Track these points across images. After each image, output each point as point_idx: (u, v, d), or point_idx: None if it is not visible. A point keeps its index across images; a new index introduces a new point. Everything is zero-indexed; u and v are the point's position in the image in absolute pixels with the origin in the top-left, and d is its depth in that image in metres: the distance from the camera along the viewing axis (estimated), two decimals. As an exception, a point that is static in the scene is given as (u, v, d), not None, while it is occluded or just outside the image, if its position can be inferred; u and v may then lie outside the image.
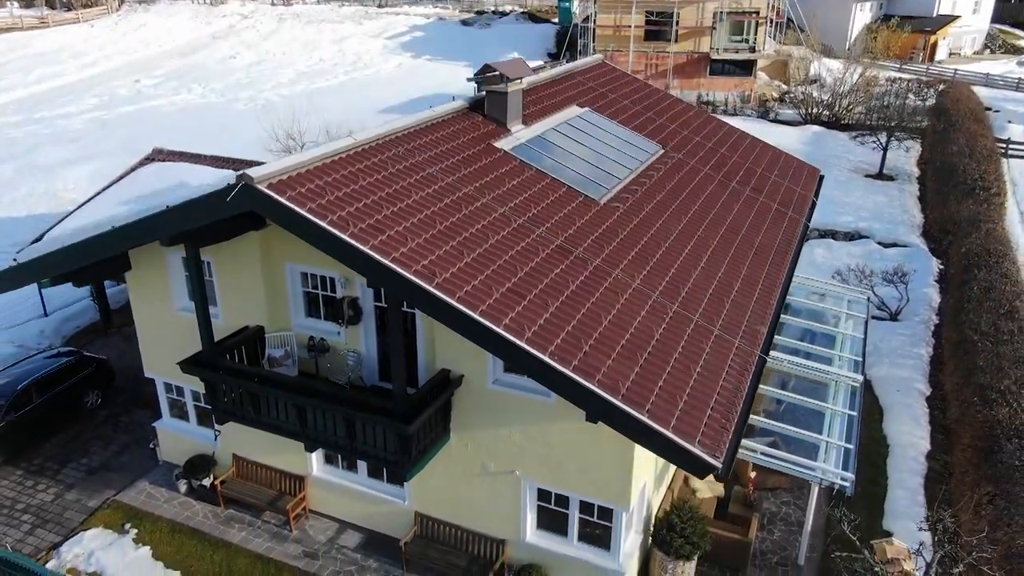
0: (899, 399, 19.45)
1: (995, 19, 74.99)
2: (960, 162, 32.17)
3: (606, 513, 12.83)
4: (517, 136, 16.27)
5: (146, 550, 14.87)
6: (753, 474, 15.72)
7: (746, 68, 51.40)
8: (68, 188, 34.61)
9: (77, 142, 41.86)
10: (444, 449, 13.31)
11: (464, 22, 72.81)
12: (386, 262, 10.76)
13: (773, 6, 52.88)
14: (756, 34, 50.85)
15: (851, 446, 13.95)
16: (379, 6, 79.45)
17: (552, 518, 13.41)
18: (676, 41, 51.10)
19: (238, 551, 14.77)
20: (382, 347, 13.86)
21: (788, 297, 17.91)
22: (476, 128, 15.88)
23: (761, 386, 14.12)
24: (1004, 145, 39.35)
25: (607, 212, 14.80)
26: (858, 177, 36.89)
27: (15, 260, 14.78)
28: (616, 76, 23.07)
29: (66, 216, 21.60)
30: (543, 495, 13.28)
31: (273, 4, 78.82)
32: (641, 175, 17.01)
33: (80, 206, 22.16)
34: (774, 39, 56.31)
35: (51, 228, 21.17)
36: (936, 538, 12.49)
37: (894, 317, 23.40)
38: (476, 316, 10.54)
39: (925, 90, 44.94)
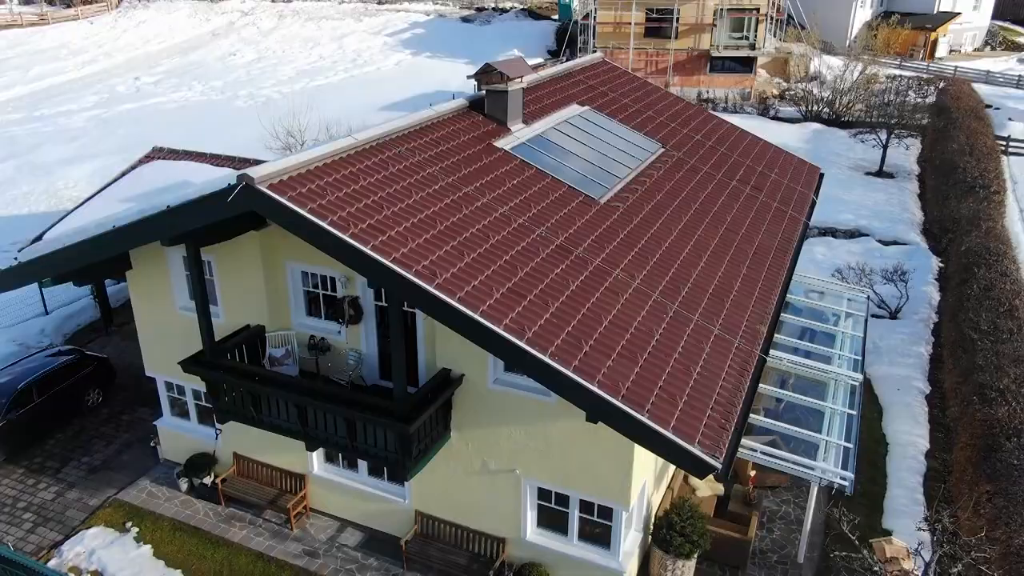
0: (898, 397, 19.49)
1: (995, 15, 74.93)
2: (960, 160, 32.18)
3: (606, 512, 12.87)
4: (517, 135, 16.28)
5: (147, 549, 14.91)
6: (753, 472, 15.76)
7: (746, 65, 51.35)
8: (68, 186, 34.62)
9: (77, 140, 41.87)
10: (445, 448, 13.35)
11: (464, 19, 72.71)
12: (387, 262, 10.78)
13: (773, 3, 52.81)
14: (756, 31, 50.78)
15: (850, 445, 13.98)
16: (379, 2, 79.31)
17: (552, 517, 13.46)
18: (676, 38, 51.02)
19: (239, 549, 14.81)
20: (383, 346, 13.89)
21: (788, 295, 17.93)
22: (476, 127, 15.89)
23: (761, 385, 14.15)
24: (1004, 142, 39.35)
25: (607, 211, 14.82)
26: (858, 175, 36.89)
27: (16, 259, 14.81)
28: (616, 74, 23.07)
29: (66, 215, 21.61)
30: (543, 494, 13.32)
31: (273, 1, 78.68)
32: (641, 174, 17.03)
33: (80, 204, 22.18)
34: (774, 36, 56.26)
35: (51, 227, 21.18)
36: (935, 538, 12.53)
37: (894, 315, 23.43)
38: (476, 316, 10.57)
39: (925, 87, 44.94)
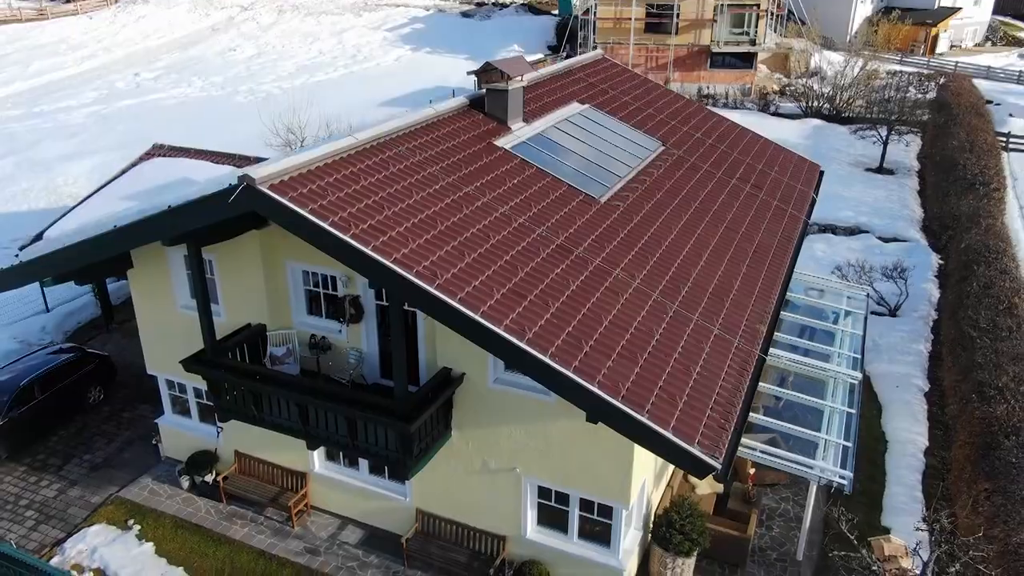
0: (898, 395, 19.54)
1: (996, 11, 74.80)
2: (960, 156, 32.19)
3: (606, 510, 12.92)
4: (518, 134, 16.29)
5: (149, 546, 14.97)
6: (752, 470, 15.81)
7: (747, 61, 51.34)
8: (68, 183, 34.61)
9: (77, 136, 41.85)
10: (445, 447, 13.39)
11: (464, 14, 72.65)
12: (387, 263, 10.81)
13: (774, -2, 52.81)
14: (757, 27, 50.74)
15: (849, 444, 14.04)
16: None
17: (552, 515, 13.51)
18: (677, 34, 51.01)
19: (240, 547, 14.87)
20: (384, 345, 13.93)
21: (788, 293, 17.97)
22: (477, 126, 15.90)
23: (760, 383, 14.20)
24: (1005, 139, 39.34)
25: (608, 210, 14.84)
26: (858, 171, 36.90)
27: (17, 256, 14.84)
28: (617, 72, 23.06)
29: (67, 212, 21.63)
30: (543, 492, 13.37)
31: (272, -5, 78.55)
32: (642, 172, 17.04)
33: (80, 202, 22.20)
34: (775, 32, 56.20)
35: (51, 225, 21.22)
36: (933, 537, 12.58)
37: (893, 313, 23.47)
38: (477, 317, 10.60)
39: (926, 83, 44.90)
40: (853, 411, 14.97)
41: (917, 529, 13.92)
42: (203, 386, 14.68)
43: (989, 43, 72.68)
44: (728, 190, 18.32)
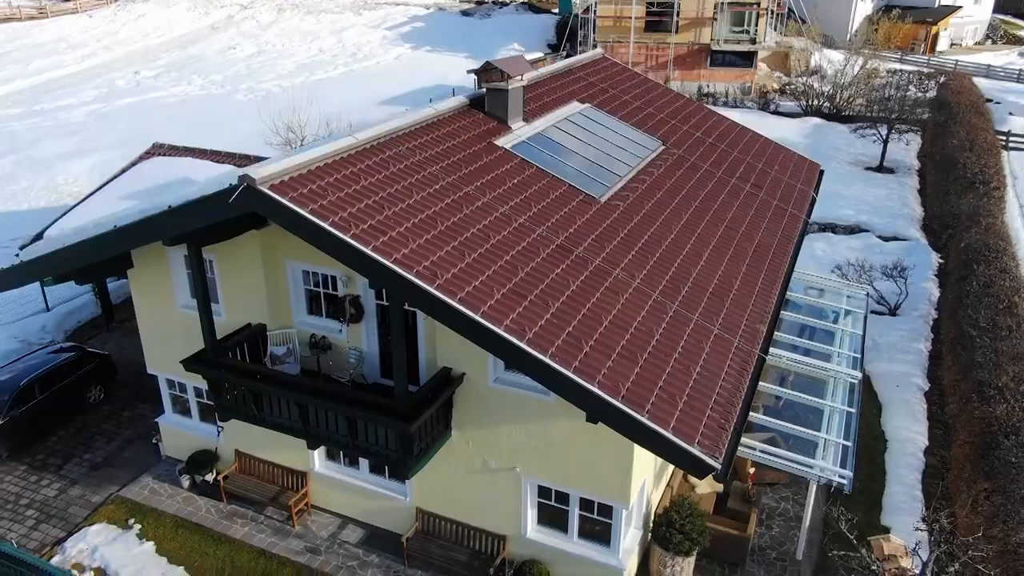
0: (898, 394, 19.55)
1: (996, 9, 74.75)
2: (960, 155, 32.18)
3: (606, 510, 12.94)
4: (518, 133, 16.29)
5: (150, 545, 15.00)
6: (752, 469, 15.83)
7: (747, 59, 51.30)
8: (68, 181, 34.64)
9: (77, 135, 41.84)
10: (446, 446, 13.41)
11: (464, 12, 72.59)
12: (388, 263, 10.82)
13: (774, -3, 52.77)
14: (757, 25, 50.70)
15: (849, 443, 14.05)
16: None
17: (552, 514, 13.53)
18: (677, 32, 50.98)
19: (241, 546, 14.89)
20: (384, 345, 13.94)
21: (787, 292, 17.98)
22: (477, 126, 15.90)
23: (760, 382, 14.20)
24: (1005, 137, 39.33)
25: (608, 210, 14.84)
26: (858, 170, 36.90)
27: (17, 255, 14.85)
28: (617, 71, 23.06)
29: (67, 212, 21.64)
30: (543, 492, 13.39)
31: (272, -7, 78.49)
32: (642, 172, 17.04)
33: (81, 201, 22.21)
34: (775, 30, 56.16)
35: (52, 224, 21.23)
36: (932, 537, 12.60)
37: (893, 312, 23.48)
38: (477, 317, 10.61)
39: (926, 82, 44.88)
40: (853, 410, 14.98)
41: (916, 529, 13.93)
42: (203, 385, 14.69)
43: (989, 41, 72.64)
44: (728, 189, 18.32)
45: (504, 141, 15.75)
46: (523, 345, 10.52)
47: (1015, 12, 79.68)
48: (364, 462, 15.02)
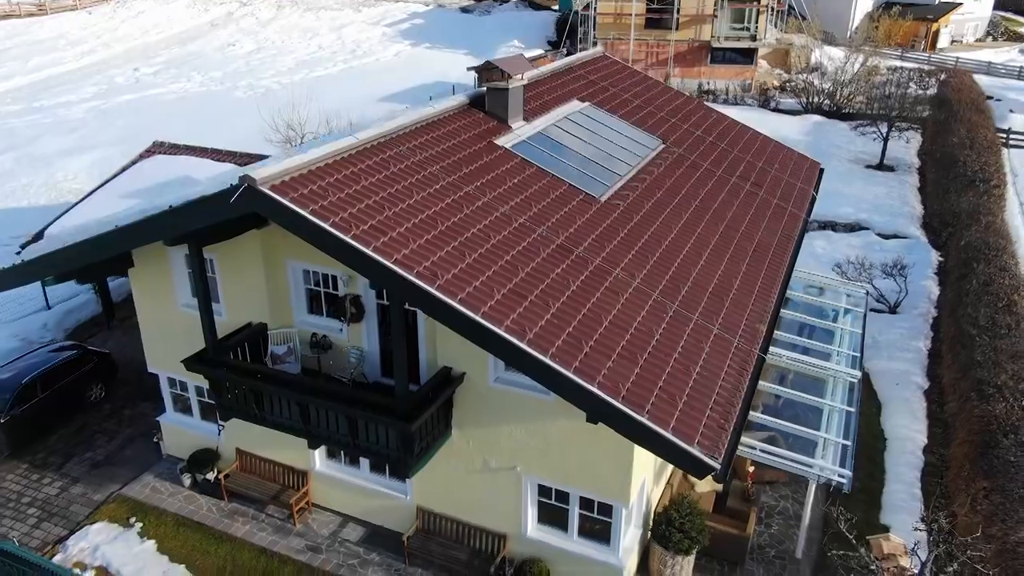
0: (897, 392, 19.59)
1: (997, 6, 74.63)
2: (960, 153, 32.19)
3: (606, 508, 12.98)
4: (518, 133, 16.30)
5: (151, 544, 15.05)
6: (751, 468, 15.87)
7: (747, 56, 51.23)
8: (68, 178, 34.63)
9: (76, 132, 41.80)
10: (446, 445, 13.44)
11: (463, 9, 72.50)
12: (389, 264, 10.84)
13: (774, -6, 52.69)
14: (757, 22, 50.64)
15: (848, 443, 14.09)
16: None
17: (553, 513, 13.57)
18: (677, 29, 50.89)
19: (242, 545, 14.94)
20: (384, 344, 13.96)
21: (787, 291, 18.00)
22: (477, 125, 15.90)
23: (760, 382, 14.22)
24: (1005, 135, 39.30)
25: (608, 210, 14.85)
26: (858, 168, 36.89)
27: (18, 253, 14.87)
28: (617, 69, 23.04)
29: (67, 210, 21.64)
30: (544, 491, 13.43)
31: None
32: (642, 171, 17.05)
33: (81, 200, 22.21)
34: (775, 27, 56.08)
35: (52, 223, 21.24)
36: (931, 537, 12.63)
37: (893, 310, 23.50)
38: (478, 318, 10.63)
39: (927, 79, 44.85)
40: (852, 410, 15.02)
41: (915, 529, 13.96)
42: (204, 384, 14.71)
43: (990, 38, 72.54)
44: (728, 188, 18.33)
45: (504, 140, 15.76)
46: (524, 346, 10.55)
47: (1016, 8, 79.56)
48: (365, 461, 15.05)
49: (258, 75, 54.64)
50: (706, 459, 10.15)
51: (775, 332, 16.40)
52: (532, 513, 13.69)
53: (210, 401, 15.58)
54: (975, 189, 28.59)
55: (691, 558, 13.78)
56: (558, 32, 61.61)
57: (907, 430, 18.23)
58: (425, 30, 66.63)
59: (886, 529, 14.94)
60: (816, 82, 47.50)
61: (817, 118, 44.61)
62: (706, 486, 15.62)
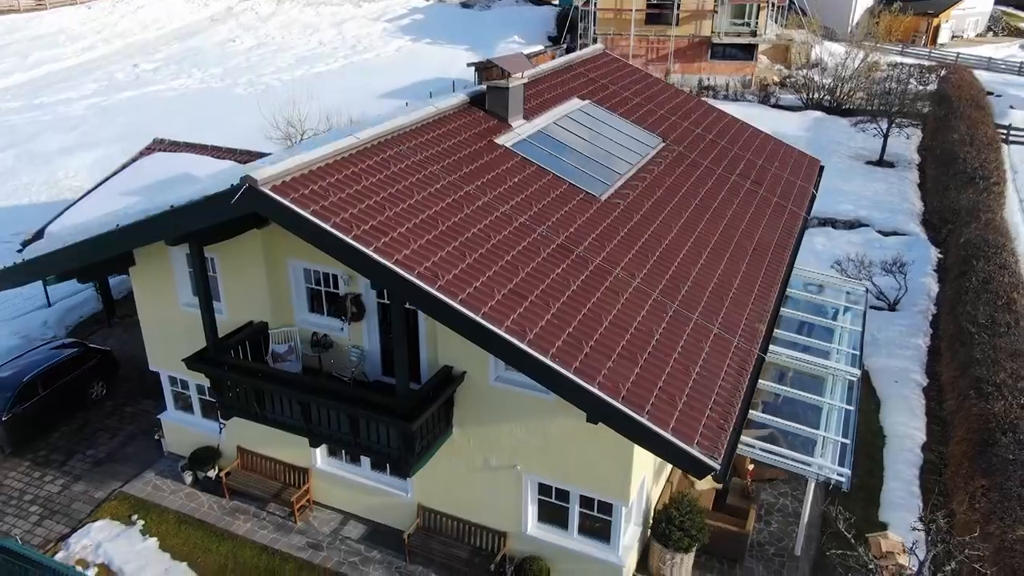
0: (896, 390, 19.63)
1: (998, 1, 74.47)
2: (960, 150, 32.17)
3: (606, 507, 13.04)
4: (518, 131, 16.31)
5: (153, 541, 15.11)
6: (751, 466, 15.92)
7: (747, 52, 51.19)
8: (68, 176, 34.61)
9: (77, 129, 41.78)
10: (447, 444, 13.49)
11: (464, 4, 72.36)
12: (389, 264, 10.87)
13: (775, -11, 52.58)
14: (758, 18, 50.58)
15: (848, 441, 14.13)
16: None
17: (553, 511, 13.63)
18: (677, 25, 50.84)
19: (243, 542, 15.00)
20: (385, 343, 14.00)
21: (787, 289, 18.03)
22: (477, 124, 15.91)
23: (759, 380, 14.26)
24: (1005, 131, 39.28)
25: (608, 209, 14.88)
26: (858, 164, 36.88)
27: (19, 251, 14.90)
28: (617, 66, 23.04)
29: (68, 208, 21.67)
30: (544, 489, 13.48)
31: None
32: (642, 169, 17.07)
33: (81, 197, 22.24)
34: (776, 23, 55.99)
35: (52, 220, 21.26)
36: (929, 537, 12.68)
37: (892, 307, 23.53)
38: (478, 319, 10.67)
39: (927, 75, 44.79)
40: (852, 408, 15.06)
41: (914, 528, 14.01)
42: (206, 383, 14.76)
43: (991, 33, 72.42)
44: (728, 186, 18.35)
45: (504, 139, 15.77)
46: (524, 346, 10.59)
47: (1016, 3, 79.37)
48: (366, 459, 15.10)
49: (258, 71, 54.58)
50: (706, 459, 10.20)
51: (775, 330, 16.43)
52: (532, 511, 13.75)
53: (211, 399, 15.64)
54: (975, 186, 28.59)
55: (691, 556, 13.85)
56: (558, 27, 61.52)
57: (906, 428, 18.28)
58: (425, 25, 66.55)
59: (885, 527, 14.99)
60: (816, 78, 47.46)
61: (817, 114, 44.59)
62: (706, 484, 15.66)
